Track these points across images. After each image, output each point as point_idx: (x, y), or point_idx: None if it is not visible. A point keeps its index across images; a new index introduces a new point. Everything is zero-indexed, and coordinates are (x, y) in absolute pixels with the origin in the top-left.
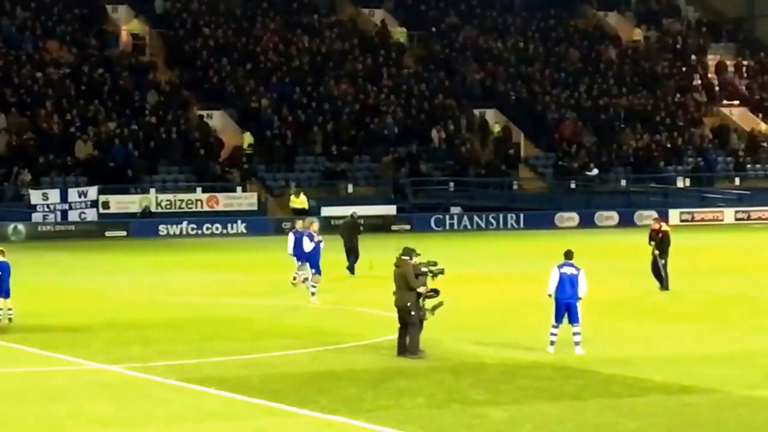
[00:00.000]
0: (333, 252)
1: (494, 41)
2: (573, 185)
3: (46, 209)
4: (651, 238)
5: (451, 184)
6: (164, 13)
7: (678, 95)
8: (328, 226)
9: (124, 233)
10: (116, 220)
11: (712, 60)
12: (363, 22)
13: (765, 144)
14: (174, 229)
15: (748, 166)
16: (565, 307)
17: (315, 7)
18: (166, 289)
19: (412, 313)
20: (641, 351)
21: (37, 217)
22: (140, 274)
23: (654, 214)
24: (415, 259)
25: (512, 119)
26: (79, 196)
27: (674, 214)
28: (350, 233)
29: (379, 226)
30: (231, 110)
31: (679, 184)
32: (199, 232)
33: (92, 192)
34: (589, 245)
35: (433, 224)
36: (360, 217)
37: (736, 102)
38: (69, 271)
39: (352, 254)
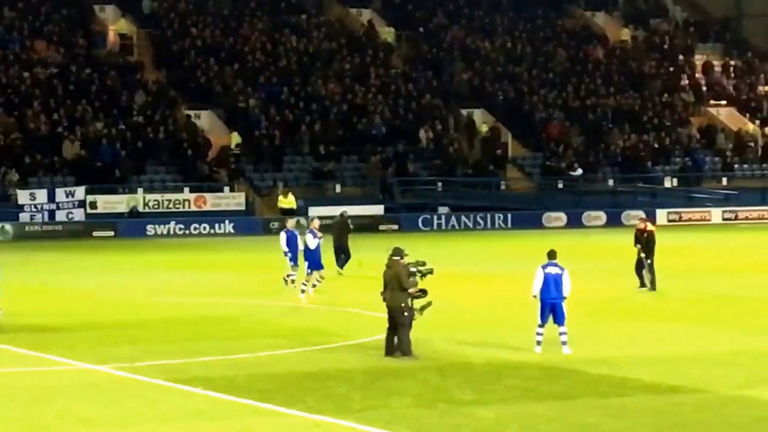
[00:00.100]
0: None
1: (482, 41)
2: (560, 185)
3: (34, 209)
4: (637, 239)
5: (439, 184)
6: (152, 13)
7: (665, 95)
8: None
9: (112, 233)
10: (104, 220)
11: (699, 60)
12: (350, 22)
13: (752, 144)
14: (161, 229)
15: (736, 166)
16: (551, 307)
17: (302, 7)
18: (153, 289)
19: (405, 313)
20: (628, 351)
21: (24, 217)
22: (128, 274)
23: (642, 214)
24: (404, 259)
25: (500, 119)
26: (67, 196)
27: (662, 214)
28: (340, 232)
29: (367, 226)
30: (219, 110)
31: (667, 184)
32: (187, 232)
33: (80, 192)
34: (576, 245)
35: (420, 224)
36: (349, 216)
37: (724, 102)
38: (56, 271)
39: (343, 253)
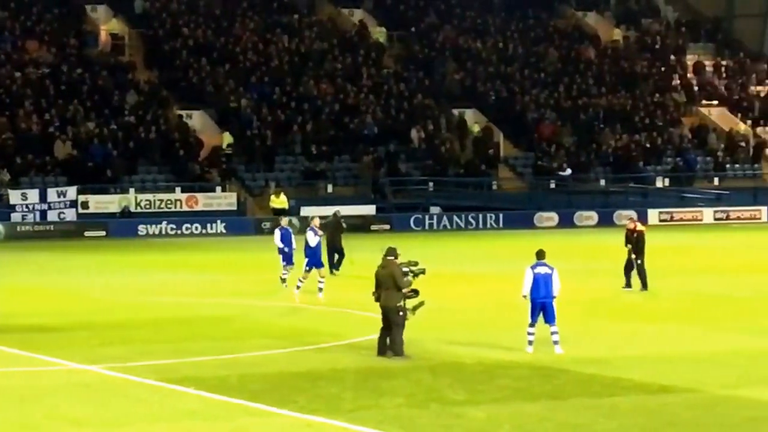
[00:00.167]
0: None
1: (473, 41)
2: (552, 185)
3: (25, 209)
4: (627, 239)
5: (431, 183)
6: (143, 12)
7: (657, 95)
8: (306, 226)
9: (103, 233)
10: (95, 220)
11: (690, 60)
12: (342, 22)
13: (743, 144)
14: (153, 229)
15: (727, 166)
16: (541, 306)
17: (294, 7)
18: (145, 289)
19: (400, 313)
20: (620, 350)
21: (16, 217)
22: (119, 274)
23: (633, 214)
24: (397, 259)
25: (492, 119)
26: (58, 196)
27: (653, 214)
28: (333, 232)
29: (359, 225)
30: (210, 110)
31: (659, 184)
32: (179, 232)
33: (71, 192)
34: (568, 245)
35: (412, 224)
36: (342, 216)
37: (715, 102)
38: (48, 271)
39: (336, 253)
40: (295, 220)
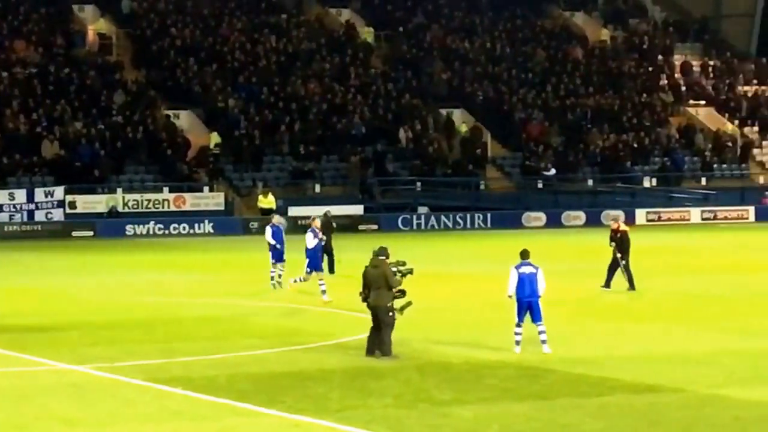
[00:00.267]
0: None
1: (461, 41)
2: (540, 185)
3: (13, 209)
4: (612, 239)
5: (419, 183)
6: (131, 12)
7: (644, 95)
8: (295, 226)
9: (91, 233)
10: (83, 220)
11: (678, 60)
12: (330, 21)
13: (730, 144)
14: (141, 229)
15: (715, 166)
16: (527, 305)
17: (282, 7)
18: (132, 289)
19: (391, 313)
20: (608, 350)
21: (3, 217)
22: (107, 274)
23: (621, 214)
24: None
25: (479, 119)
26: (46, 196)
27: (641, 214)
28: (323, 232)
29: (347, 226)
30: (198, 110)
31: (646, 184)
32: (166, 232)
33: (59, 192)
34: (556, 245)
35: (400, 224)
36: (333, 216)
37: (703, 102)
38: (35, 271)
39: (326, 254)
40: (283, 219)
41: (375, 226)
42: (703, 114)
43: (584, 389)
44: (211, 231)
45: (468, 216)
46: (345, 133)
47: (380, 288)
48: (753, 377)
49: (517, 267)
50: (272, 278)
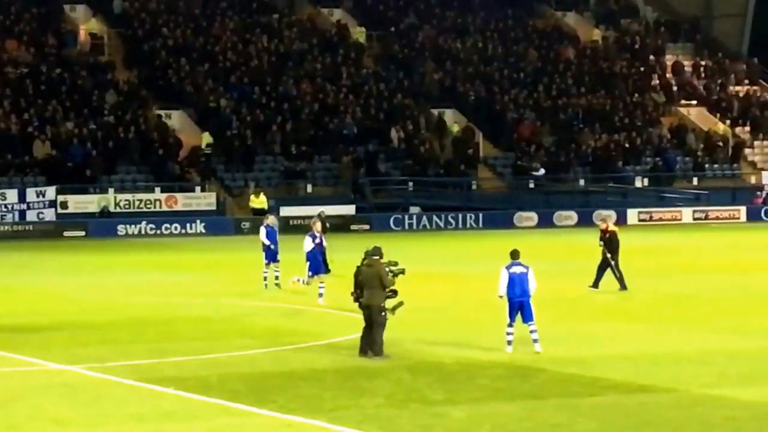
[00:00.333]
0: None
1: (453, 41)
2: (532, 185)
3: (4, 209)
4: (601, 239)
5: (410, 183)
6: (123, 12)
7: (636, 95)
8: (286, 226)
9: (83, 233)
10: (75, 220)
11: (670, 60)
12: (322, 21)
13: (720, 144)
14: (133, 229)
15: (706, 166)
16: (518, 305)
17: (274, 7)
18: (124, 289)
19: (383, 313)
20: (599, 350)
21: None
22: (99, 275)
23: (612, 213)
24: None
25: (471, 119)
26: (38, 196)
27: (633, 214)
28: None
29: (339, 226)
30: (190, 110)
31: (638, 183)
32: (158, 232)
33: (50, 192)
34: (547, 245)
35: (392, 224)
36: (326, 216)
37: (694, 102)
38: (27, 271)
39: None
40: (276, 220)
41: (367, 226)
42: (695, 114)
43: (576, 389)
44: (203, 231)
45: (460, 216)
46: (337, 133)
47: (374, 288)
48: (745, 377)
49: (508, 267)
50: (265, 278)
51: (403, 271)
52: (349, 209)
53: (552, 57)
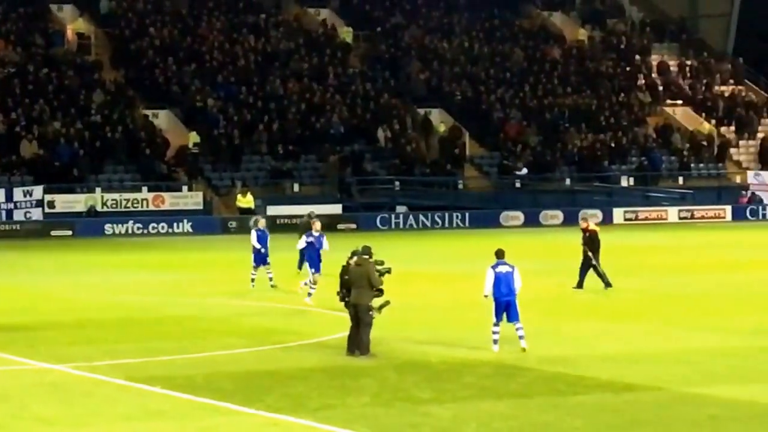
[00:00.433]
0: (287, 251)
1: (439, 41)
2: (518, 184)
3: None
4: (583, 238)
5: (397, 183)
6: (109, 12)
7: (622, 95)
8: (273, 225)
9: (70, 232)
10: (62, 219)
11: (655, 60)
12: (308, 21)
13: (706, 143)
14: (120, 229)
15: (692, 165)
16: (504, 305)
17: (260, 7)
18: (111, 288)
19: (371, 312)
20: (585, 349)
21: None
22: (86, 274)
23: (598, 212)
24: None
25: (457, 119)
26: (25, 196)
27: (618, 213)
28: (305, 232)
29: (325, 225)
30: (177, 109)
31: (624, 183)
32: (145, 231)
33: (37, 191)
34: (533, 244)
35: (378, 223)
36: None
37: (680, 102)
38: (14, 270)
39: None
40: (262, 219)
41: (354, 226)
42: (680, 114)
43: (562, 388)
44: (190, 230)
45: (446, 215)
46: (323, 132)
47: (362, 287)
48: (729, 376)
49: (494, 267)
50: (252, 279)
51: (389, 270)
52: (336, 208)
53: (538, 57)
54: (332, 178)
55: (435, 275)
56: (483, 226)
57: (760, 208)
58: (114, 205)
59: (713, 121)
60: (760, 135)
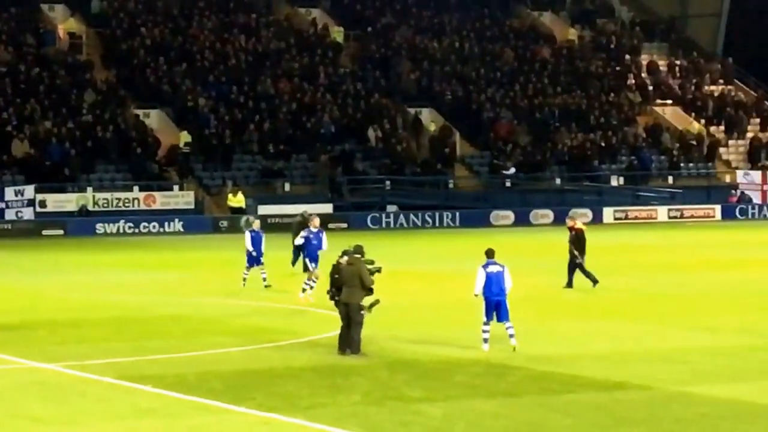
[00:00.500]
0: (278, 250)
1: (430, 41)
2: (508, 184)
3: None
4: (570, 237)
5: (388, 182)
6: (101, 12)
7: (612, 94)
8: (264, 225)
9: (61, 232)
10: (53, 218)
11: (645, 59)
12: (299, 21)
13: (696, 143)
14: (111, 228)
15: (682, 165)
16: (495, 304)
17: (251, 6)
18: (102, 287)
19: (362, 311)
20: (575, 348)
21: None
22: (77, 273)
23: (588, 211)
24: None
25: (448, 118)
26: (16, 195)
27: (608, 212)
28: (298, 231)
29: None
30: (168, 109)
31: (613, 182)
32: (137, 230)
33: (29, 191)
34: (524, 243)
35: (369, 222)
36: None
37: (669, 101)
38: (5, 269)
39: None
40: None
41: (344, 225)
42: (670, 113)
43: (552, 386)
44: (181, 230)
45: (437, 215)
46: (314, 132)
47: (353, 286)
48: (719, 374)
49: (485, 266)
50: (244, 279)
51: (379, 270)
52: (327, 208)
53: (528, 56)
54: (323, 178)
55: (425, 274)
56: (473, 225)
57: (750, 207)
58: (105, 205)
59: (703, 121)
60: (749, 135)
